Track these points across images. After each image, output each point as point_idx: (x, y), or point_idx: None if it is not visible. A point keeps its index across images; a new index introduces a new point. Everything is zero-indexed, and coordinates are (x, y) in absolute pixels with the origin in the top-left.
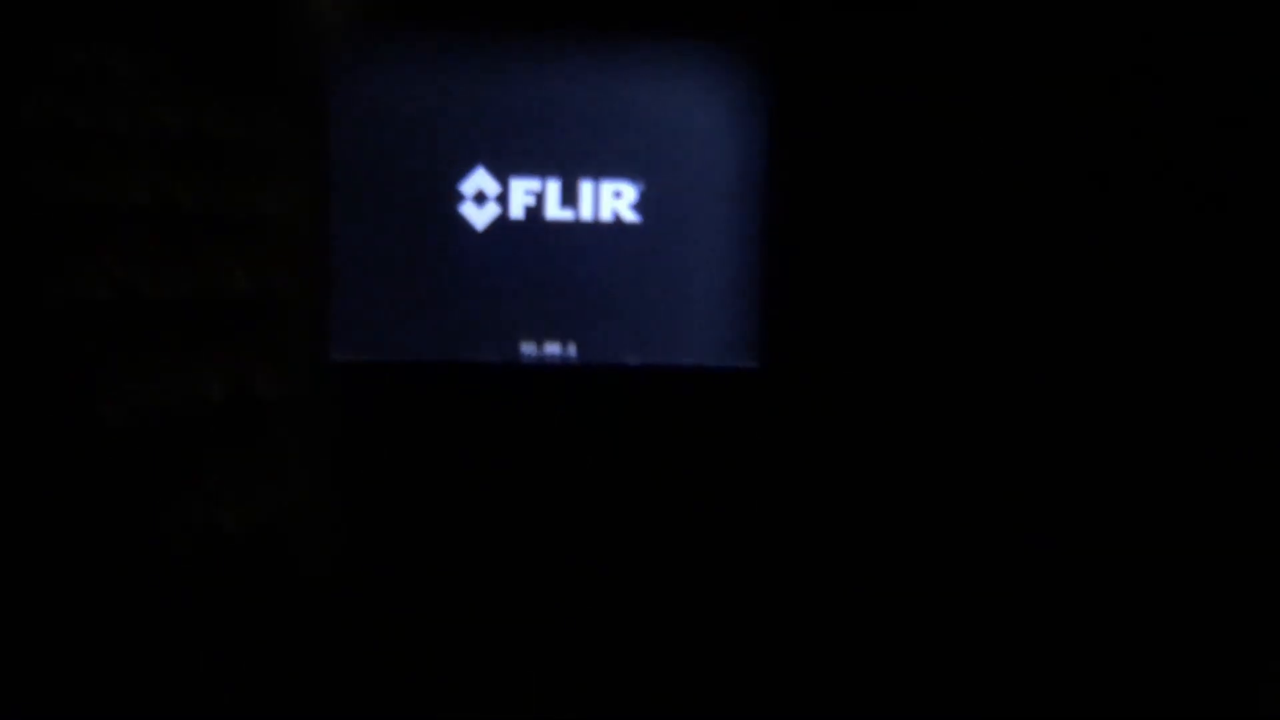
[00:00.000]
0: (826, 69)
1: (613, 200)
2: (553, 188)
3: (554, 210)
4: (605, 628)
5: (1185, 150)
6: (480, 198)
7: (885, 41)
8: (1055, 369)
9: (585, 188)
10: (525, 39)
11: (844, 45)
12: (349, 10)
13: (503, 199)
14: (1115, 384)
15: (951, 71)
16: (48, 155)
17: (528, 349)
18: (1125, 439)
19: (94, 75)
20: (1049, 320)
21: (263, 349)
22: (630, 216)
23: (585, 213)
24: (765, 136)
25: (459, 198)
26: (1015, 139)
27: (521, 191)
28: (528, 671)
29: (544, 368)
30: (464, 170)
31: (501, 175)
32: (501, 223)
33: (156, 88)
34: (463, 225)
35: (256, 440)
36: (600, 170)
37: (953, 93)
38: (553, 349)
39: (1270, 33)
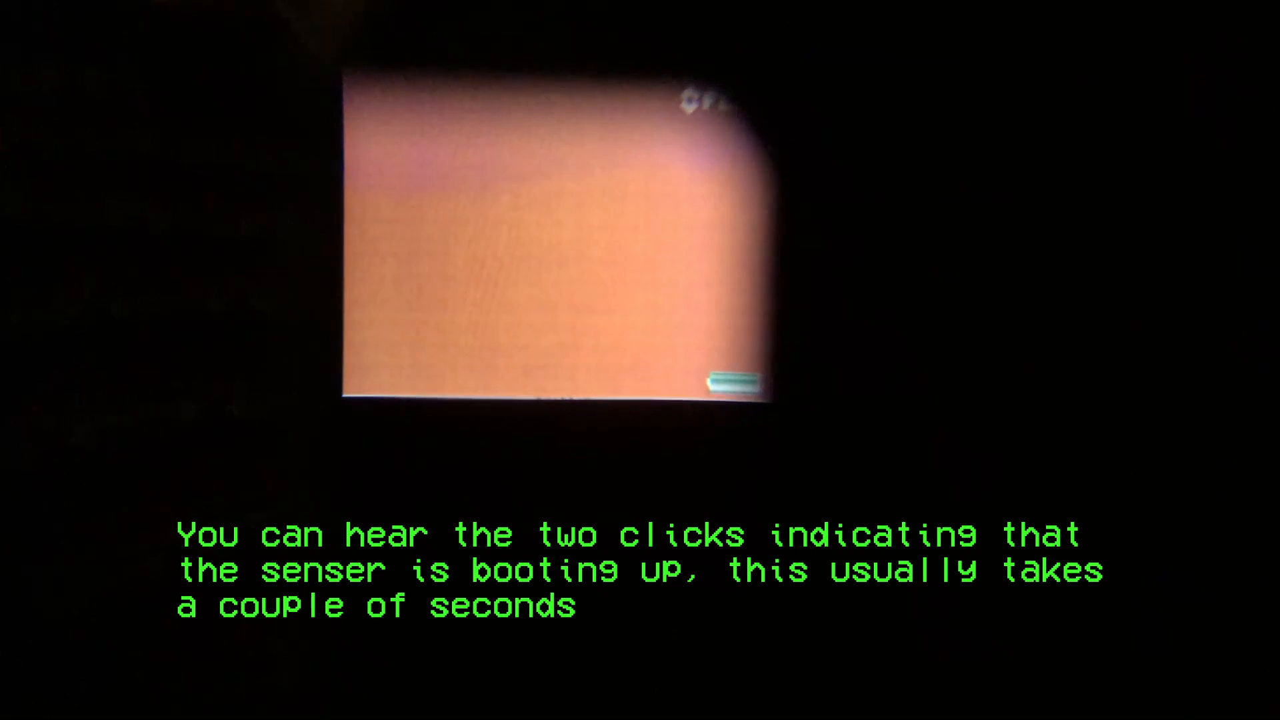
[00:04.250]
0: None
1: None
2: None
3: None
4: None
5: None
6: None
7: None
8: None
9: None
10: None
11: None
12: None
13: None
14: (1117, 405)
15: (944, 82)
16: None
17: None
18: (1134, 462)
19: (66, 96)
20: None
21: (247, 378)
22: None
23: None
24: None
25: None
26: (1015, 152)
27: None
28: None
29: (558, 403)
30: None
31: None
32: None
33: (132, 109)
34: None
35: (243, 468)
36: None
37: (947, 99)
38: None
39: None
